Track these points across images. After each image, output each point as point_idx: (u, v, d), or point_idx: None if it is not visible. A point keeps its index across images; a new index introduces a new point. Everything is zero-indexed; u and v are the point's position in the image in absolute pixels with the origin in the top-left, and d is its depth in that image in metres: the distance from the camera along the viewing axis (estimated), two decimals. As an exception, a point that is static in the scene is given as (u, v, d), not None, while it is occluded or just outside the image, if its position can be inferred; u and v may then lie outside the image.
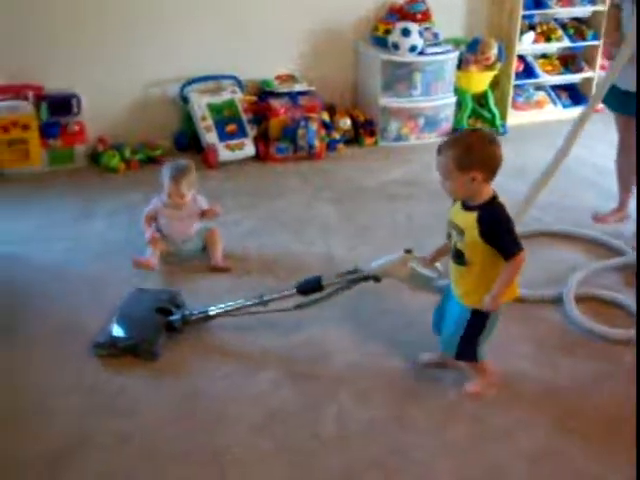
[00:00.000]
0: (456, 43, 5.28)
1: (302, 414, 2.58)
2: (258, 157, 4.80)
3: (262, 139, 4.83)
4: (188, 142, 4.89)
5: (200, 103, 4.74)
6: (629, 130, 3.69)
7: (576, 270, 3.40)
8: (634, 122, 3.56)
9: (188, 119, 4.85)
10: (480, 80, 5.30)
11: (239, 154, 4.71)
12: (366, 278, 2.76)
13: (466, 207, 2.41)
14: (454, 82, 5.22)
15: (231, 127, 4.73)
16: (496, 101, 5.41)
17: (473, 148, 2.31)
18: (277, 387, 2.71)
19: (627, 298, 3.22)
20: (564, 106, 5.74)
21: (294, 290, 2.85)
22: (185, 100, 4.82)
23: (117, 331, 2.88)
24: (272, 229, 3.91)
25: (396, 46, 4.91)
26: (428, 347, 2.83)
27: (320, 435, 2.49)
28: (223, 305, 2.96)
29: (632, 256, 3.51)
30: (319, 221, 4.00)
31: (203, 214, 3.58)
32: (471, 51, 5.25)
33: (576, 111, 5.38)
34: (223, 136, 4.69)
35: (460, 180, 2.34)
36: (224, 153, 4.65)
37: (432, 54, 5.03)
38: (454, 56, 5.15)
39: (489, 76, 5.30)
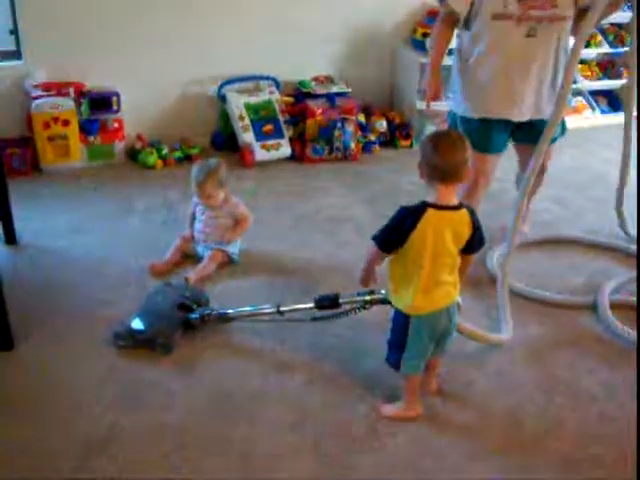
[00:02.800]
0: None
1: (333, 414, 2.60)
2: (294, 158, 4.82)
3: (298, 140, 4.85)
4: (225, 141, 4.93)
5: (238, 103, 4.78)
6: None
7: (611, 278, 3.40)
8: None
9: (225, 118, 4.89)
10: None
11: (275, 154, 4.74)
12: (383, 301, 2.72)
13: None
14: (492, 86, 5.19)
15: (268, 127, 4.76)
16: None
17: (424, 146, 2.38)
18: (308, 387, 2.73)
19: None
20: (602, 112, 5.69)
21: (312, 304, 2.86)
22: (223, 99, 4.86)
23: (136, 324, 2.93)
24: (306, 229, 3.93)
25: (434, 49, 4.89)
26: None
27: (351, 435, 2.51)
28: (241, 308, 2.99)
29: None
30: (354, 222, 4.01)
31: (234, 219, 3.53)
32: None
33: (614, 118, 5.37)
34: (260, 136, 4.72)
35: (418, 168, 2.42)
36: (260, 153, 4.68)
37: (470, 58, 5.01)
38: (492, 60, 5.11)
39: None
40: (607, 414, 2.64)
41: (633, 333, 2.99)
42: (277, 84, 5.00)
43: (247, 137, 4.70)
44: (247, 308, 2.99)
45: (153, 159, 4.62)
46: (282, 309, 2.90)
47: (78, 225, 3.90)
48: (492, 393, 2.72)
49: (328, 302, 2.82)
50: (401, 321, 2.47)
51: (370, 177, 4.65)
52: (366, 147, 5.00)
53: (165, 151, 4.68)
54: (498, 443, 2.50)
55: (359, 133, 4.95)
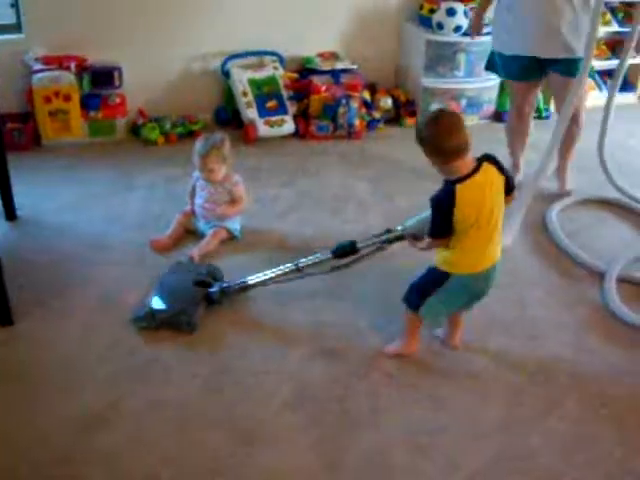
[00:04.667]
0: (502, 24, 5.18)
1: (333, 390, 2.58)
2: (298, 134, 4.77)
3: (302, 117, 4.80)
4: (228, 117, 4.88)
5: (241, 78, 4.72)
6: (529, 96, 3.95)
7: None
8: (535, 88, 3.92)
9: (229, 94, 4.84)
10: (525, 63, 5.20)
11: (279, 131, 4.69)
12: (401, 237, 2.72)
13: None
14: (498, 64, 5.13)
15: (271, 103, 4.71)
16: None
17: (422, 128, 2.38)
18: (309, 363, 2.71)
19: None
20: (611, 92, 5.61)
21: (330, 254, 2.81)
22: (227, 75, 4.80)
23: (156, 303, 2.88)
24: (309, 206, 3.89)
25: (440, 26, 4.84)
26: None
27: (350, 411, 2.49)
28: (261, 274, 2.94)
29: None
30: (356, 199, 3.98)
31: (232, 202, 3.49)
32: (517, 33, 5.16)
33: (622, 98, 5.29)
34: (263, 112, 4.66)
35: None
36: (264, 129, 4.63)
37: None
38: (499, 37, 5.05)
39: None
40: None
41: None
42: (281, 60, 4.94)
43: (250, 113, 4.65)
44: (267, 272, 2.93)
45: (155, 135, 4.57)
46: (300, 265, 2.84)
47: (79, 201, 3.86)
48: (492, 372, 2.70)
49: (346, 249, 2.77)
50: (437, 275, 2.52)
51: (374, 155, 4.60)
52: (371, 125, 4.95)
53: (167, 127, 4.63)
54: (497, 422, 2.48)
55: (364, 110, 4.89)
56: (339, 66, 4.89)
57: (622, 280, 3.25)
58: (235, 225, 3.51)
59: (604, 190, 4.03)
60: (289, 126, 4.72)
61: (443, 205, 2.37)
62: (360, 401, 2.54)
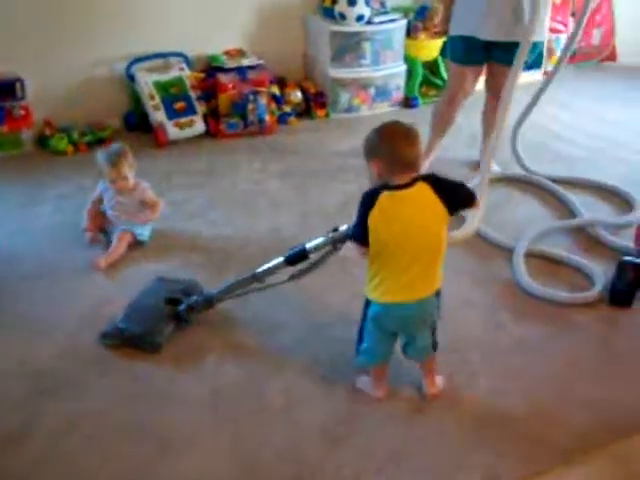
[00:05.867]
0: (404, 11, 5.26)
1: (247, 389, 2.60)
2: (209, 134, 4.76)
3: (212, 116, 4.79)
4: (138, 121, 4.83)
5: (147, 81, 4.68)
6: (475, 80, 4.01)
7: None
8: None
9: (136, 98, 4.79)
10: (430, 48, 5.27)
11: (189, 132, 4.67)
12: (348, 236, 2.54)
13: None
14: (404, 51, 5.21)
15: (180, 105, 4.68)
16: (447, 68, 5.39)
17: (378, 138, 2.27)
18: (222, 363, 2.72)
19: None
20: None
21: (282, 262, 2.71)
22: (132, 79, 4.75)
23: (123, 321, 2.84)
24: (222, 205, 3.89)
25: (343, 16, 4.88)
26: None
27: (266, 409, 2.52)
28: (222, 286, 2.86)
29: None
30: (269, 196, 3.99)
31: (144, 204, 3.47)
32: (419, 18, 5.23)
33: (529, 76, 5.41)
34: (172, 114, 4.63)
35: (368, 167, 2.30)
36: (173, 131, 4.60)
37: (380, 23, 5.01)
38: (402, 24, 5.12)
39: (439, 43, 5.26)
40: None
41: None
42: (187, 60, 4.91)
43: (159, 116, 4.61)
44: (226, 284, 2.85)
45: (63, 145, 4.50)
46: (257, 273, 2.75)
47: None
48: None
49: (297, 257, 2.67)
50: (364, 306, 2.44)
51: (286, 149, 4.63)
52: (282, 119, 4.97)
53: (76, 136, 4.56)
54: (405, 409, 2.54)
55: (273, 105, 4.91)
56: (245, 63, 4.88)
57: (531, 255, 3.35)
58: (143, 230, 3.49)
59: (509, 167, 4.15)
60: (199, 126, 4.70)
61: (364, 204, 2.26)
62: (275, 399, 2.56)
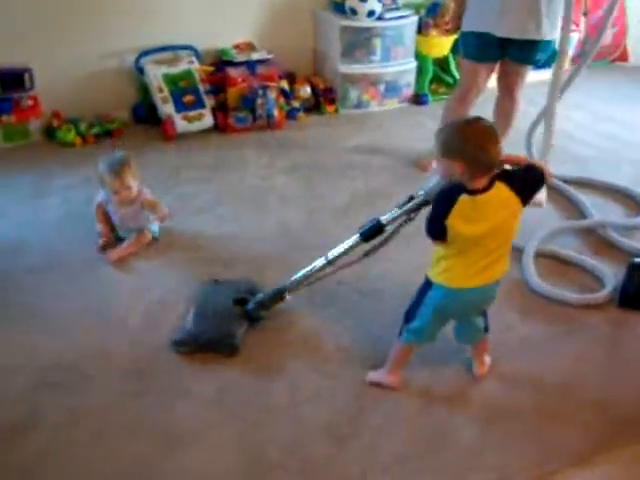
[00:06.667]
0: (415, 7, 5.22)
1: (253, 386, 2.59)
2: (217, 128, 4.74)
3: (220, 110, 4.76)
4: (146, 114, 4.81)
5: (156, 74, 4.65)
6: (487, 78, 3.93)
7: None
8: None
9: (145, 91, 4.77)
10: (441, 44, 5.23)
11: (197, 125, 4.64)
12: (427, 202, 2.44)
13: None
14: (414, 47, 5.18)
15: (188, 98, 4.66)
16: (458, 65, 5.37)
17: (458, 138, 2.17)
18: (228, 359, 2.71)
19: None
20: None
21: (358, 239, 2.61)
22: (141, 71, 4.73)
23: (195, 327, 2.79)
24: (229, 201, 3.87)
25: (354, 11, 4.85)
26: (387, 315, 2.85)
27: (271, 406, 2.50)
28: (293, 277, 2.79)
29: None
30: (277, 191, 3.97)
31: (143, 204, 3.37)
32: (431, 15, 5.19)
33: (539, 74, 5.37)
34: (180, 107, 4.61)
35: (443, 165, 2.23)
36: (181, 124, 4.58)
37: (391, 19, 4.98)
38: (413, 20, 5.09)
39: (450, 40, 5.24)
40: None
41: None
42: (197, 53, 4.89)
43: (167, 109, 4.59)
44: (300, 274, 2.77)
45: (71, 136, 4.48)
46: (330, 257, 2.67)
47: (-3, 208, 3.76)
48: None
49: (374, 230, 2.56)
50: (424, 283, 2.43)
51: (294, 144, 4.60)
52: (290, 114, 4.95)
53: (83, 127, 4.54)
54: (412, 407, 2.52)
55: (282, 100, 4.88)
56: (255, 57, 4.85)
57: (541, 256, 3.33)
58: (154, 227, 3.47)
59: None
60: (208, 120, 4.67)
61: (442, 203, 2.23)
62: (279, 394, 2.55)
